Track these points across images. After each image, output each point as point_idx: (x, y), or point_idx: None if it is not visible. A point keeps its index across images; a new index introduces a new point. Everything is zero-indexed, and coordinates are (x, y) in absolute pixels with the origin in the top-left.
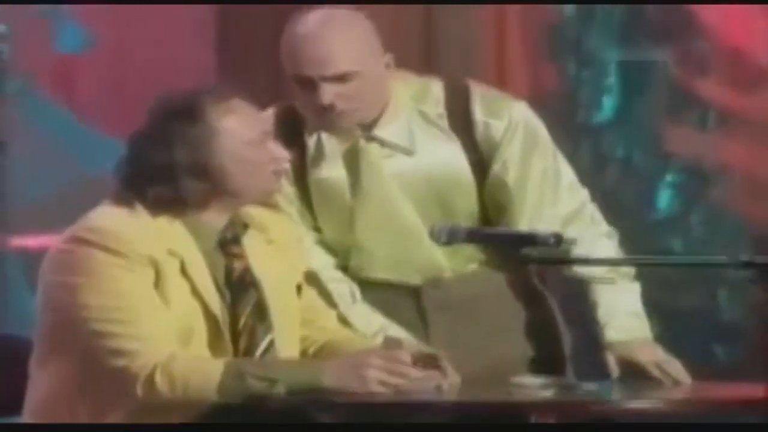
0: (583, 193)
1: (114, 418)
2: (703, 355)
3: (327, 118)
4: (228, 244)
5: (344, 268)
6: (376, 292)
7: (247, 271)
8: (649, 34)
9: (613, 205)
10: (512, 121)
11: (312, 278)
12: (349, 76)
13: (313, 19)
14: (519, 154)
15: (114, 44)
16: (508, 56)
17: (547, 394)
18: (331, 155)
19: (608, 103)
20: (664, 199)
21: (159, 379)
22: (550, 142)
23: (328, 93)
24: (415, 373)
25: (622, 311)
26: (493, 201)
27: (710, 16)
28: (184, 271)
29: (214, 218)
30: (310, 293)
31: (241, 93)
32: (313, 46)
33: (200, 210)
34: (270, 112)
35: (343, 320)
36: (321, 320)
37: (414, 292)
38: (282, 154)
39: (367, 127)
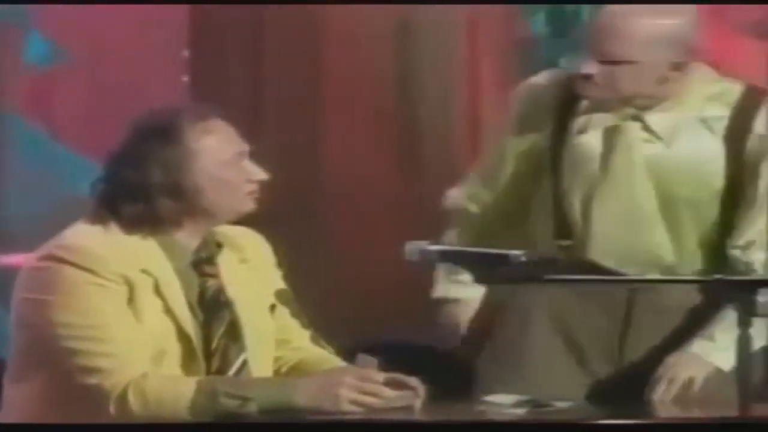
0: None
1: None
2: None
3: (584, 86)
4: (202, 263)
5: (568, 247)
6: (592, 272)
7: (221, 290)
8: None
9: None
10: None
11: (285, 298)
12: (619, 59)
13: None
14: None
15: (86, 61)
16: (482, 77)
17: (519, 412)
18: (596, 125)
19: None
20: None
21: (131, 397)
22: None
23: (591, 66)
24: (388, 392)
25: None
26: (729, 209)
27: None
28: (157, 289)
29: (189, 237)
30: (284, 313)
31: (217, 113)
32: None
33: (175, 229)
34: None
35: (316, 340)
36: (295, 340)
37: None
38: (257, 174)
39: (640, 110)
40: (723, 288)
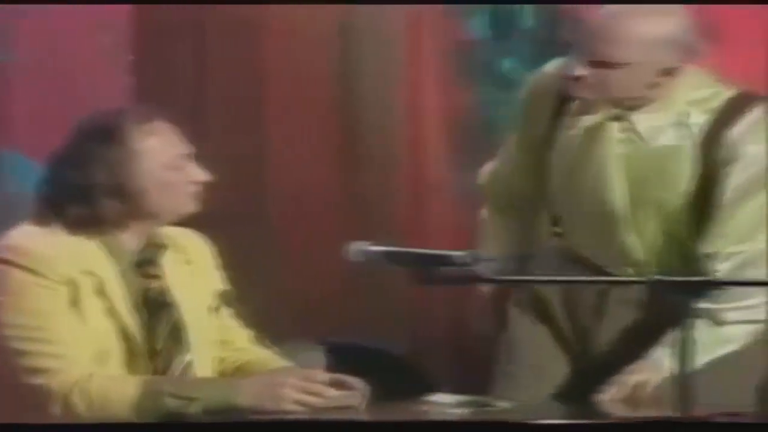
0: None
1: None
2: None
3: (574, 87)
4: (145, 264)
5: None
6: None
7: (164, 291)
8: (563, 55)
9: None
10: (754, 155)
11: (228, 299)
12: (608, 62)
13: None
14: (744, 184)
15: (31, 63)
16: (423, 77)
17: (462, 412)
18: (582, 122)
19: None
20: None
21: (76, 397)
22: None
23: (581, 68)
24: (330, 392)
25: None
26: (697, 213)
27: None
28: (101, 290)
29: (132, 238)
30: (226, 314)
31: (161, 115)
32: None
33: (118, 230)
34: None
35: (260, 341)
36: (237, 341)
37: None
38: (200, 176)
39: (626, 110)
40: (664, 288)
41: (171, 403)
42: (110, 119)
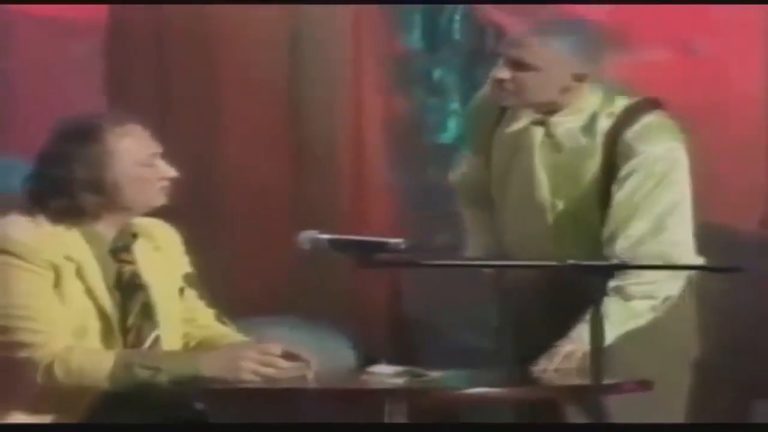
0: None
1: (18, 405)
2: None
3: (497, 91)
4: (119, 251)
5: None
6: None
7: (136, 275)
8: (490, 64)
9: (455, 216)
10: (652, 155)
11: (192, 281)
12: (526, 66)
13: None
14: (642, 182)
15: (13, 72)
16: (364, 84)
17: (399, 381)
18: (511, 127)
19: (452, 126)
20: None
21: (57, 368)
22: (680, 182)
23: (502, 71)
24: (283, 363)
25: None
26: (601, 208)
27: None
28: (80, 274)
29: (107, 228)
30: (191, 294)
31: (134, 117)
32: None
33: (95, 220)
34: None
35: (220, 318)
36: (201, 319)
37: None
38: (168, 172)
39: (546, 115)
40: (578, 272)
41: (141, 374)
42: (88, 122)
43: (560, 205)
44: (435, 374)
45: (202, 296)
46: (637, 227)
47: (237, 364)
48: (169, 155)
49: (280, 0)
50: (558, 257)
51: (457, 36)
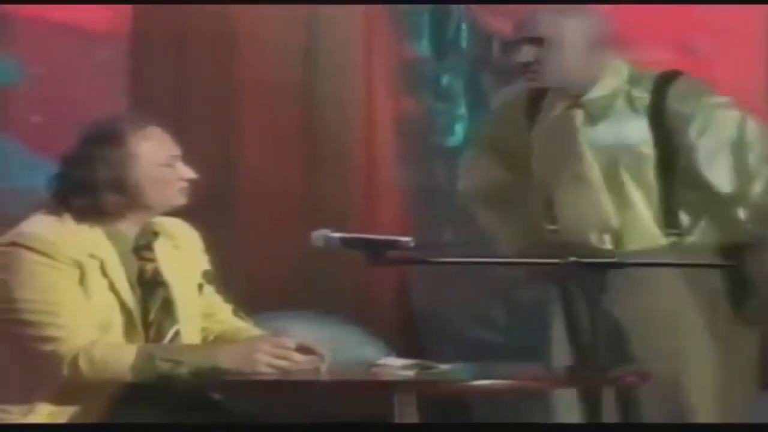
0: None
1: (44, 396)
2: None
3: (524, 74)
4: (141, 249)
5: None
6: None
7: (157, 272)
8: (494, 71)
9: (462, 215)
10: (699, 109)
11: (211, 278)
12: (545, 41)
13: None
14: (701, 131)
15: (42, 77)
16: (376, 89)
17: (408, 373)
18: (549, 115)
19: (459, 129)
20: None
21: (82, 361)
22: (728, 126)
23: (525, 51)
24: (298, 357)
25: None
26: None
27: None
28: (103, 271)
29: (129, 227)
30: (209, 291)
31: (154, 120)
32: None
33: (118, 219)
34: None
35: (237, 313)
36: (218, 314)
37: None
38: (187, 174)
39: (578, 95)
40: (576, 268)
41: (162, 366)
42: (111, 126)
43: (616, 182)
44: (443, 367)
45: (219, 292)
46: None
47: (253, 356)
48: (187, 156)
49: (296, 0)
50: (616, 233)
51: (463, 44)
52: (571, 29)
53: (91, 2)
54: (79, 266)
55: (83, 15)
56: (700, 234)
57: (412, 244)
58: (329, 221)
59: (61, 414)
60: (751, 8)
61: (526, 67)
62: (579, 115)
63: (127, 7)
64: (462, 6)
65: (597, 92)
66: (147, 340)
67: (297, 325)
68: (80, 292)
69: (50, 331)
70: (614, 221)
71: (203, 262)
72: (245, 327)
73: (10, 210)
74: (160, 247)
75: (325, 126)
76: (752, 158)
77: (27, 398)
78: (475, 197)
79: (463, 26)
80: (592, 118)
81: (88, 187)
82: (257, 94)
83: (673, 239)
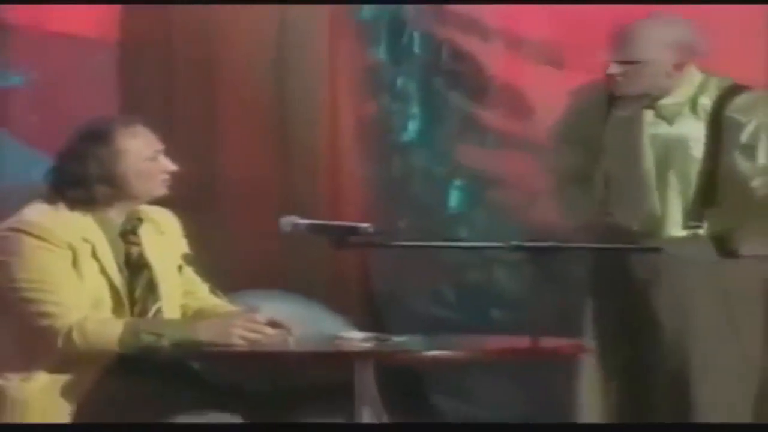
0: None
1: (41, 366)
2: (483, 317)
3: (611, 83)
4: (128, 234)
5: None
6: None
7: (141, 255)
8: (444, 75)
9: (416, 204)
10: (758, 123)
11: (189, 260)
12: (632, 60)
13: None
14: (750, 137)
15: (39, 82)
16: (339, 91)
17: (367, 345)
18: (623, 112)
19: (412, 127)
20: (454, 199)
21: (75, 334)
22: None
23: (614, 67)
24: (268, 330)
25: None
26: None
27: (493, 63)
28: (94, 254)
29: (117, 214)
30: (188, 271)
31: (140, 119)
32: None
33: (107, 208)
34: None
35: (213, 291)
36: (197, 292)
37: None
38: (169, 167)
39: (654, 99)
40: (524, 252)
41: (146, 339)
42: (102, 124)
43: (664, 178)
44: (398, 339)
45: (197, 273)
46: None
47: (228, 330)
48: (172, 151)
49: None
50: (657, 222)
51: (416, 51)
52: (658, 52)
53: (84, 2)
54: (73, 249)
55: (76, 23)
56: (710, 226)
57: (371, 230)
58: (298, 209)
59: (56, 383)
60: (751, 8)
61: (612, 78)
62: (649, 116)
63: (116, 15)
64: (415, 17)
65: (670, 99)
66: (132, 316)
67: (268, 303)
68: (73, 272)
69: (47, 308)
70: (655, 211)
71: (183, 246)
72: (221, 304)
73: (8, 202)
74: (145, 232)
75: (294, 124)
76: None
77: (26, 367)
78: (561, 177)
79: (416, 35)
80: (660, 119)
81: (81, 179)
82: (235, 96)
83: (693, 231)
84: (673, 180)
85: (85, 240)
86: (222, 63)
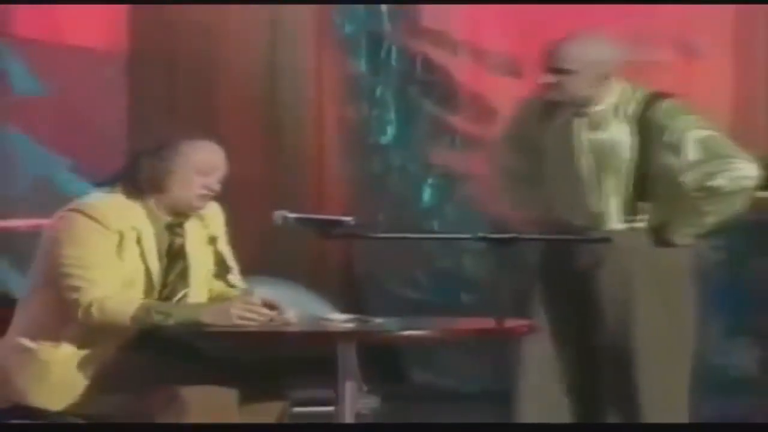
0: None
1: (67, 336)
2: (453, 300)
3: (545, 92)
4: (174, 226)
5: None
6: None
7: (182, 246)
8: (418, 84)
9: (394, 199)
10: (681, 125)
11: (223, 250)
12: (565, 71)
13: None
14: (675, 138)
15: (56, 90)
16: (324, 98)
17: (349, 326)
18: (558, 120)
19: (390, 131)
20: (427, 194)
21: (94, 309)
22: (698, 133)
23: (547, 77)
24: (264, 311)
25: None
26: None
27: (460, 75)
28: (138, 241)
29: (163, 211)
30: (222, 259)
31: (210, 136)
32: (556, 46)
33: (156, 205)
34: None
35: (235, 279)
36: (223, 278)
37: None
38: (215, 187)
39: (584, 107)
40: (488, 242)
41: (156, 317)
42: (172, 136)
43: (600, 177)
44: (378, 320)
45: (228, 261)
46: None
47: (227, 312)
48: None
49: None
50: (596, 218)
51: (393, 63)
52: (586, 64)
53: (90, 2)
54: (120, 234)
55: (88, 37)
56: (647, 219)
57: (353, 223)
58: (287, 204)
59: (77, 353)
60: (751, 8)
61: (547, 86)
62: (580, 122)
63: (124, 29)
64: (392, 32)
65: (599, 107)
66: (160, 299)
67: (262, 288)
68: (115, 255)
69: (77, 282)
70: (594, 208)
71: (222, 237)
72: (233, 290)
73: (28, 199)
74: (190, 226)
75: (285, 128)
76: (711, 153)
77: (55, 336)
78: (507, 177)
79: (393, 49)
80: (592, 126)
81: (136, 172)
82: (233, 108)
83: (630, 224)
84: (609, 180)
85: (133, 228)
86: (220, 75)
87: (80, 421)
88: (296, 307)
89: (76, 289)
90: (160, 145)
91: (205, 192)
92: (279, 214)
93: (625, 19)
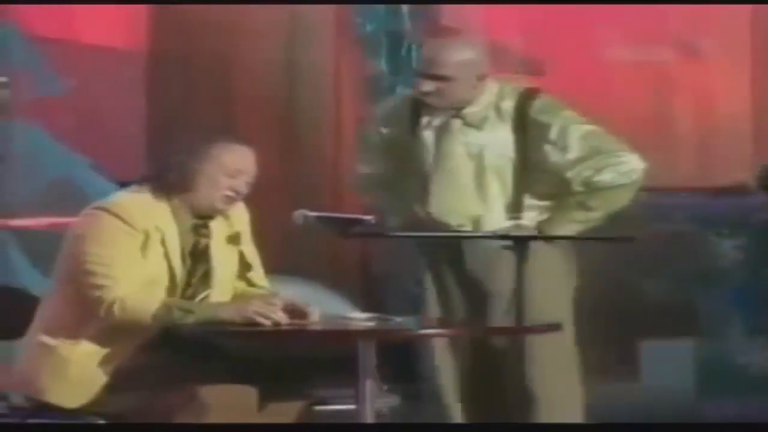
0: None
1: (88, 334)
2: None
3: (424, 98)
4: (199, 227)
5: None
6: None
7: (207, 247)
8: None
9: None
10: (561, 123)
11: (247, 248)
12: (444, 77)
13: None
14: (559, 135)
15: (75, 89)
16: (343, 97)
17: (370, 324)
18: (432, 123)
19: None
20: None
21: (116, 307)
22: (579, 128)
23: (425, 85)
24: (280, 315)
25: None
26: (538, 164)
27: None
28: (163, 241)
29: (188, 212)
30: (247, 258)
31: (243, 140)
32: (429, 52)
33: (182, 207)
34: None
35: (247, 281)
36: (246, 277)
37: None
38: (242, 190)
39: (460, 110)
40: (507, 240)
41: (176, 315)
42: (207, 137)
43: (482, 178)
44: (397, 319)
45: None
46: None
47: (245, 311)
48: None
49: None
50: (480, 216)
51: (413, 62)
52: (463, 68)
53: (107, 2)
54: (145, 234)
55: (107, 36)
56: (533, 217)
57: (373, 221)
58: (305, 203)
59: (97, 352)
60: (751, 8)
61: (425, 94)
62: (458, 124)
63: (142, 28)
64: (412, 31)
65: (474, 107)
66: (182, 298)
67: (286, 288)
68: (138, 253)
69: (100, 280)
70: (475, 210)
71: (247, 236)
72: (249, 290)
73: (49, 195)
74: (216, 226)
75: (305, 129)
76: (595, 148)
77: (76, 333)
78: (368, 182)
79: (413, 47)
80: (469, 127)
81: (164, 170)
82: (249, 102)
83: (514, 222)
84: (491, 179)
85: (158, 228)
86: (238, 74)
87: (98, 419)
88: (318, 307)
89: (100, 287)
90: (193, 144)
91: (230, 194)
92: (299, 213)
93: (640, 19)
